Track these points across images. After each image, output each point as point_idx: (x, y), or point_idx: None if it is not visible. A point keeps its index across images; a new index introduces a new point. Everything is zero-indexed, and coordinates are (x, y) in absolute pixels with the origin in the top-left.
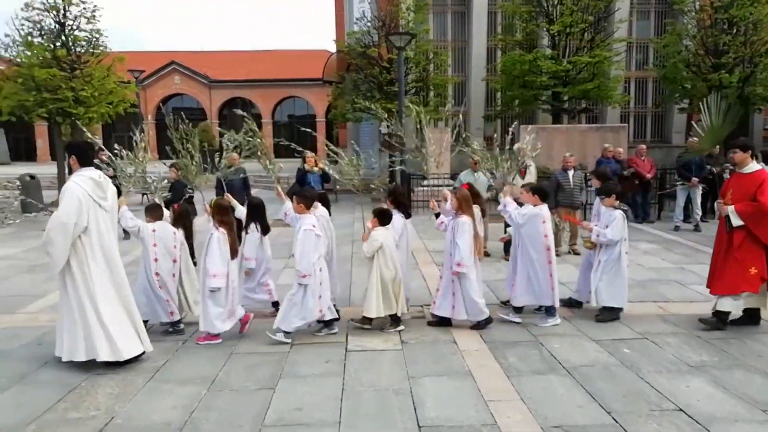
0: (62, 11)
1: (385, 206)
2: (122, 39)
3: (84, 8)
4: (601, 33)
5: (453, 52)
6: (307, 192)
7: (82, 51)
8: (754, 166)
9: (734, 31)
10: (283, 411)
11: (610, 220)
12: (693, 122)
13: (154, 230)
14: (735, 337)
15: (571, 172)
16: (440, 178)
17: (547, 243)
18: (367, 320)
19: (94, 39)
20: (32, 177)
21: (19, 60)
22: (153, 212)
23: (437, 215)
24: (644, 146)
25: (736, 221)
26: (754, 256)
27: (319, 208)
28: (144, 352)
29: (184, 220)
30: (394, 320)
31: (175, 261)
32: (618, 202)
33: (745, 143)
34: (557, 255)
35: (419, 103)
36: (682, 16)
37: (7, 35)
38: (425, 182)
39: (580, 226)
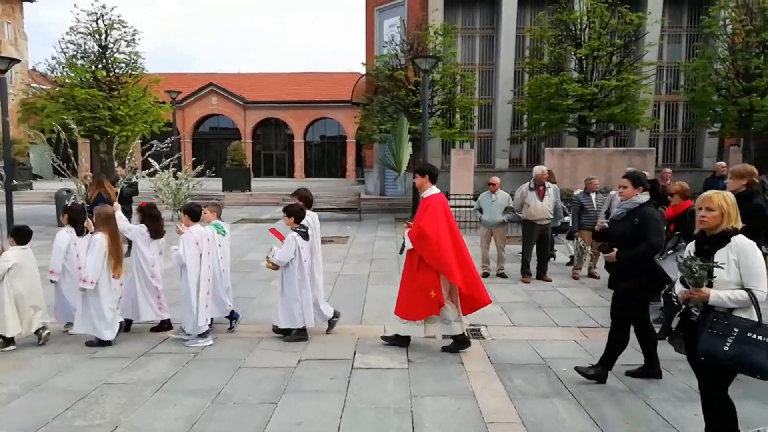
0: (104, 35)
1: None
2: (167, 62)
3: (125, 32)
4: (630, 56)
5: (480, 75)
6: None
7: (121, 72)
8: (431, 191)
9: (767, 54)
10: (282, 425)
11: (285, 241)
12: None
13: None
14: None
15: (594, 195)
16: (461, 198)
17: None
18: (5, 341)
19: (133, 61)
20: (68, 191)
21: (62, 81)
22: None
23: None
24: (669, 170)
25: (408, 245)
26: (432, 280)
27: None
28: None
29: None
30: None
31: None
32: (299, 225)
33: (422, 168)
34: (576, 278)
35: (444, 125)
36: (713, 39)
37: (53, 57)
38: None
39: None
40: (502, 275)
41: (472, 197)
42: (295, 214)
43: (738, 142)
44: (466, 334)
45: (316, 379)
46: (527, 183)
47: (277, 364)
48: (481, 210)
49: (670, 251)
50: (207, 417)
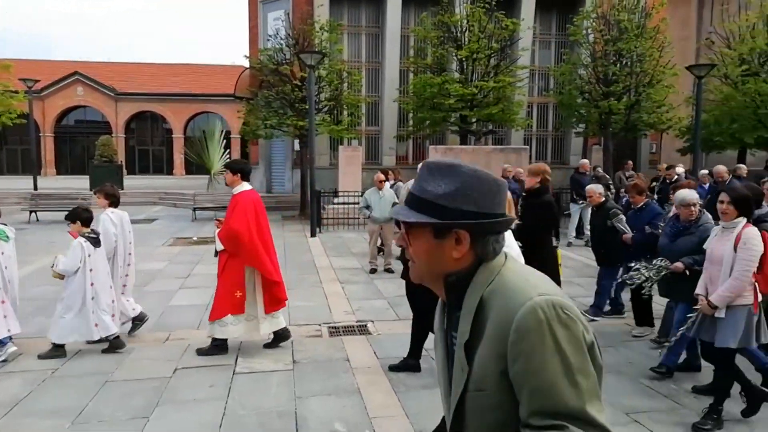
0: None
1: None
2: (28, 47)
3: None
4: (506, 60)
5: (367, 73)
6: None
7: None
8: (241, 187)
9: (622, 62)
10: None
11: (70, 248)
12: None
13: None
14: (611, 346)
15: None
16: (350, 194)
17: None
18: None
19: None
20: None
21: None
22: None
23: None
24: None
25: (219, 246)
26: (238, 280)
27: None
28: None
29: None
30: None
31: None
32: (89, 229)
33: (232, 165)
34: (373, 271)
35: (332, 121)
36: (578, 47)
37: None
38: (336, 200)
39: None
40: (389, 270)
41: (360, 194)
42: (78, 217)
43: (599, 141)
44: (271, 336)
45: (194, 388)
46: (412, 180)
47: (149, 375)
48: (368, 207)
49: None
50: None
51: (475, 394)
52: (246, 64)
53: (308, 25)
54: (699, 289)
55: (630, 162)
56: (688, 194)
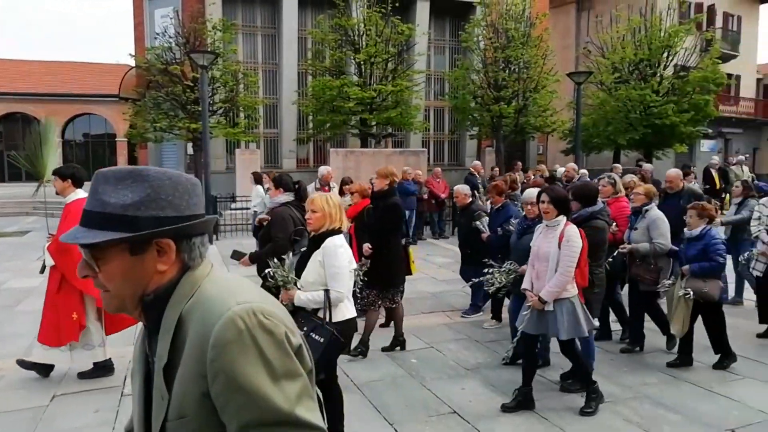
0: None
1: None
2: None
3: None
4: (403, 64)
5: (264, 74)
6: None
7: None
8: (74, 195)
9: (510, 68)
10: None
11: None
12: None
13: None
14: (507, 339)
15: None
16: (248, 199)
17: None
18: None
19: None
20: None
21: None
22: None
23: None
24: (439, 169)
25: (49, 261)
26: (75, 301)
27: None
28: None
29: None
30: None
31: None
32: None
33: (61, 171)
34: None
35: (228, 124)
36: (470, 53)
37: None
38: (233, 205)
39: None
40: None
41: None
42: None
43: (492, 143)
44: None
45: (75, 416)
46: (313, 183)
47: (22, 406)
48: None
49: (304, 248)
50: None
51: (177, 423)
52: (132, 63)
53: (199, 24)
54: (525, 284)
55: (519, 163)
56: (532, 193)
